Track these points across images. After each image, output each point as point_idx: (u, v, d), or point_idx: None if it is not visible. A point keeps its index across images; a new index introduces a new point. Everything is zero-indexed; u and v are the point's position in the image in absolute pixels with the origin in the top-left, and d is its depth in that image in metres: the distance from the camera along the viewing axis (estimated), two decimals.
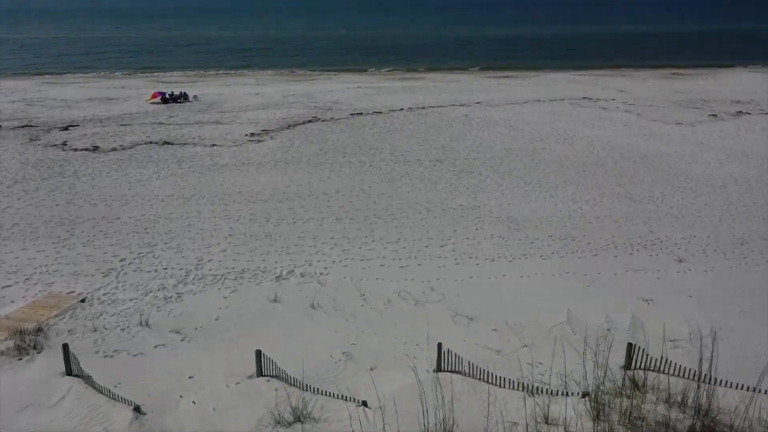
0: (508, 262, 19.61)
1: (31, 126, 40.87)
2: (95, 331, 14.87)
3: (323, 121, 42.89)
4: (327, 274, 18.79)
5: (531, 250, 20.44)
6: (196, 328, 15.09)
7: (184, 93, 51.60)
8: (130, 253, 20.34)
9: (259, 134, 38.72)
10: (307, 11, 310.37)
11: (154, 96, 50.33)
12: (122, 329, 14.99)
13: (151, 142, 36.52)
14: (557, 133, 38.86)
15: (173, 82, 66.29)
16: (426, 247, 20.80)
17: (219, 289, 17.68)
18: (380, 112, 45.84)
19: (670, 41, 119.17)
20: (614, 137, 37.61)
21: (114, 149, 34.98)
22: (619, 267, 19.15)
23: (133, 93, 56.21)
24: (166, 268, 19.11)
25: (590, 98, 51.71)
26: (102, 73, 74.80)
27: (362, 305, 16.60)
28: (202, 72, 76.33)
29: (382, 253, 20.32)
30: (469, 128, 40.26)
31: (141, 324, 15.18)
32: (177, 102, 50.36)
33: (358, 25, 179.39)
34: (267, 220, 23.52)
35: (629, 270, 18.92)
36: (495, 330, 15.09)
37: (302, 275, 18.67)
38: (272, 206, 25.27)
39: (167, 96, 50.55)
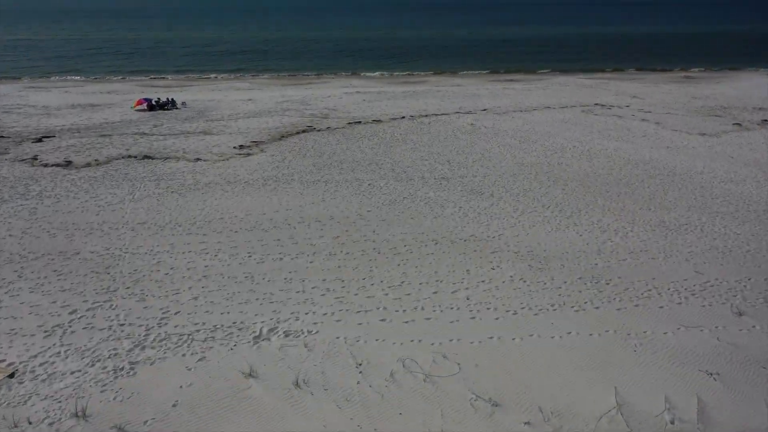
0: (533, 315, 16.26)
1: (1, 137, 37.48)
2: (15, 428, 11.52)
3: (319, 131, 39.51)
4: (316, 332, 15.45)
5: (560, 298, 17.10)
6: (146, 422, 11.75)
7: (172, 99, 48.21)
8: (84, 301, 16.98)
9: (248, 147, 35.34)
10: (307, 12, 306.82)
11: (139, 103, 46.93)
12: (50, 423, 11.65)
13: (129, 156, 33.14)
14: (572, 145, 35.50)
15: (164, 87, 62.92)
16: (435, 293, 17.46)
17: (183, 355, 14.34)
18: (380, 121, 42.47)
19: (677, 42, 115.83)
20: (635, 150, 34.25)
21: (88, 164, 31.60)
22: (668, 322, 15.81)
23: (119, 99, 52.80)
24: (123, 324, 15.76)
25: (603, 105, 48.33)
26: (91, 77, 71.38)
27: (359, 382, 13.26)
28: (195, 76, 72.90)
29: (382, 302, 16.99)
30: (476, 139, 36.90)
31: (76, 415, 11.84)
32: (164, 109, 46.99)
33: (358, 26, 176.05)
34: (249, 256, 20.18)
35: (681, 327, 15.58)
36: (528, 424, 11.75)
37: (286, 334, 15.33)
38: (257, 236, 21.92)
39: (154, 103, 47.18)
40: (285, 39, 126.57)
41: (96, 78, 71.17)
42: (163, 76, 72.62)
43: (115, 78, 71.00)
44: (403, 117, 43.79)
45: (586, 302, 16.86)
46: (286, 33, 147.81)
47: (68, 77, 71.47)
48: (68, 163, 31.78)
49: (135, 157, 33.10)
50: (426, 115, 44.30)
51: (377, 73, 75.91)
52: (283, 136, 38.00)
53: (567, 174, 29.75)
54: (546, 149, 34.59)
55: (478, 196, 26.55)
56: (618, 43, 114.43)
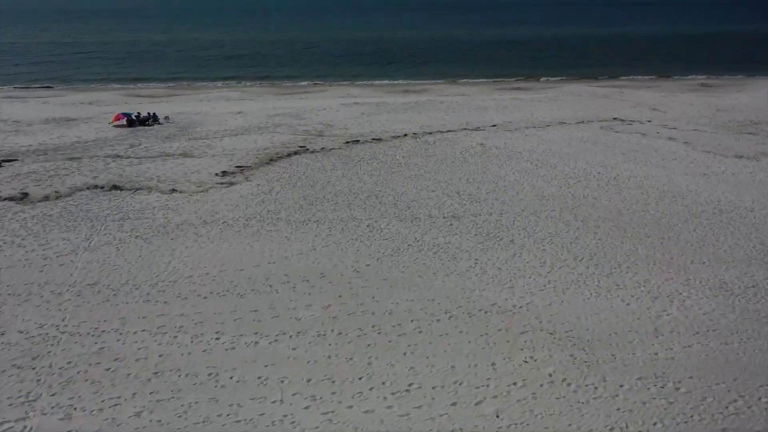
0: None
1: None
2: None
3: (312, 152, 35.18)
4: None
5: (619, 415, 12.81)
6: None
7: (154, 114, 43.83)
8: None
9: (231, 173, 31.02)
10: (308, 12, 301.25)
11: (117, 118, 42.54)
12: None
13: (96, 187, 28.82)
14: (596, 170, 31.20)
15: (150, 97, 58.56)
16: (453, 406, 13.18)
17: None
18: (380, 140, 38.15)
19: (688, 46, 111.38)
20: (668, 178, 29.95)
21: (46, 198, 27.29)
22: None
23: (98, 111, 48.44)
24: None
25: (623, 120, 44.00)
26: (76, 85, 66.94)
27: None
28: (185, 84, 68.45)
29: (385, 420, 12.71)
30: (487, 163, 32.60)
31: None
32: (145, 125, 42.65)
33: (358, 26, 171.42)
34: (217, 338, 15.91)
35: None
36: None
37: None
38: (230, 305, 17.65)
39: (134, 117, 42.83)
40: (284, 41, 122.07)
41: (81, 86, 66.76)
42: (152, 84, 68.18)
43: (102, 86, 66.56)
44: (405, 134, 39.44)
45: (655, 423, 12.57)
46: (285, 34, 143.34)
47: (52, 85, 67.10)
48: (24, 196, 27.45)
49: (102, 187, 28.77)
50: (430, 132, 39.95)
51: (377, 81, 71.50)
52: (272, 159, 33.67)
53: (596, 211, 25.44)
54: (567, 176, 30.27)
55: (496, 242, 22.26)
56: (626, 47, 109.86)
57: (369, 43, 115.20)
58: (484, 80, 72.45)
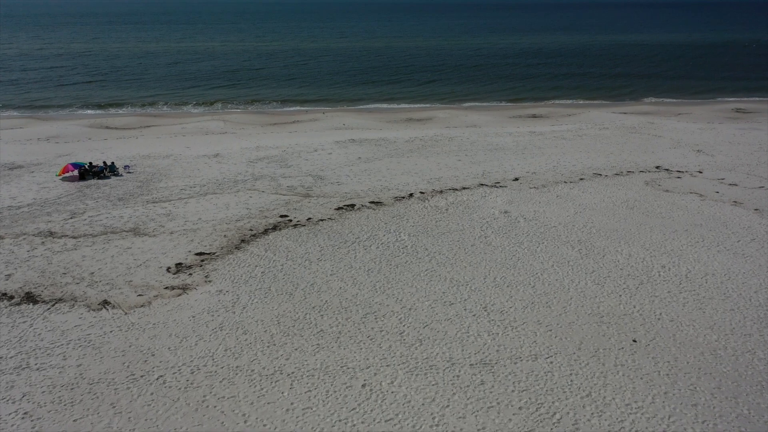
0: None
1: None
2: None
3: (295, 226, 27.65)
4: None
5: None
6: None
7: (111, 164, 36.23)
8: None
9: (188, 268, 23.51)
10: (310, 14, 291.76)
11: (66, 169, 34.91)
12: None
13: (2, 296, 21.34)
14: (659, 262, 23.72)
15: (119, 129, 51.04)
16: None
17: None
18: (380, 203, 30.64)
19: (711, 57, 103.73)
20: (757, 279, 22.46)
21: None
22: None
23: (51, 155, 40.88)
24: None
25: (668, 169, 36.50)
26: (37, 114, 59.20)
27: None
28: (163, 109, 60.82)
29: None
30: (517, 248, 25.09)
31: None
32: (100, 177, 35.14)
33: (359, 33, 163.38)
34: None
35: None
36: None
37: None
38: None
39: (87, 167, 35.28)
40: (279, 52, 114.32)
41: (46, 114, 59.13)
42: (126, 109, 60.49)
43: (69, 114, 58.86)
44: (411, 195, 31.91)
45: None
46: (281, 43, 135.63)
47: (12, 112, 59.46)
48: None
49: (11, 297, 21.28)
50: (440, 191, 32.41)
51: (376, 104, 63.89)
52: (243, 240, 26.15)
53: (682, 351, 17.93)
54: (625, 275, 22.76)
55: (553, 427, 14.79)
56: (644, 59, 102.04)
57: (369, 55, 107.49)
58: (495, 104, 64.95)
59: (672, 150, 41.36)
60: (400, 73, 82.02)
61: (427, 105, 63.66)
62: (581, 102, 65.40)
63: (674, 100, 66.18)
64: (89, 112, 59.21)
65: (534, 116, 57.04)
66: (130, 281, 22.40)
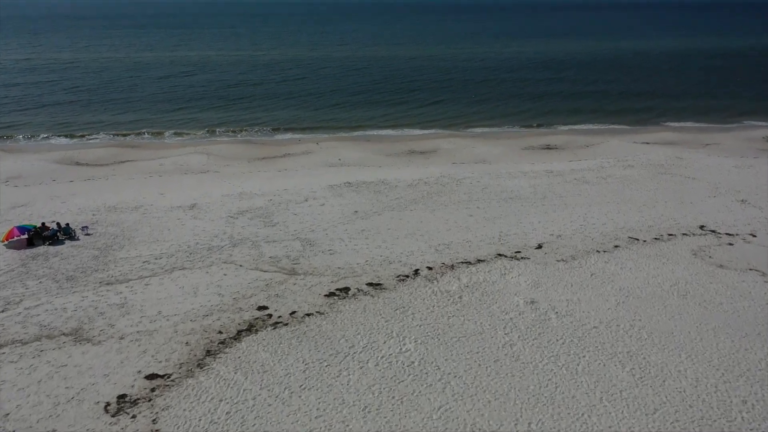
0: None
1: None
2: None
3: (276, 325, 22.16)
4: None
5: None
6: None
7: (66, 226, 30.70)
8: None
9: (133, 405, 17.91)
10: (313, 19, 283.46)
11: (12, 234, 29.38)
12: None
13: None
14: (738, 396, 18.25)
15: (90, 165, 45.56)
16: None
17: None
18: (380, 285, 25.14)
19: (733, 68, 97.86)
20: None
21: None
22: None
23: (5, 203, 35.34)
24: None
25: (714, 230, 30.98)
26: (5, 145, 53.53)
27: None
28: (143, 138, 55.14)
29: None
30: (552, 365, 19.62)
31: None
32: (53, 242, 29.63)
33: (359, 40, 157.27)
34: None
35: None
36: None
37: None
38: None
39: (36, 231, 29.75)
40: (276, 64, 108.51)
41: (13, 144, 53.53)
42: (101, 139, 54.81)
43: (39, 145, 53.18)
44: (417, 271, 26.38)
45: None
46: (280, 53, 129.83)
47: None
48: None
49: None
50: (451, 266, 26.87)
51: (375, 131, 58.29)
52: (209, 350, 20.68)
53: None
54: (698, 416, 17.28)
55: None
56: (660, 70, 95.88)
57: (370, 67, 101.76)
58: (505, 129, 59.40)
59: (712, 200, 35.82)
60: (402, 91, 76.12)
61: (432, 131, 58.08)
62: (598, 127, 59.82)
63: (698, 125, 60.64)
64: (62, 141, 53.61)
65: (549, 147, 51.54)
66: None
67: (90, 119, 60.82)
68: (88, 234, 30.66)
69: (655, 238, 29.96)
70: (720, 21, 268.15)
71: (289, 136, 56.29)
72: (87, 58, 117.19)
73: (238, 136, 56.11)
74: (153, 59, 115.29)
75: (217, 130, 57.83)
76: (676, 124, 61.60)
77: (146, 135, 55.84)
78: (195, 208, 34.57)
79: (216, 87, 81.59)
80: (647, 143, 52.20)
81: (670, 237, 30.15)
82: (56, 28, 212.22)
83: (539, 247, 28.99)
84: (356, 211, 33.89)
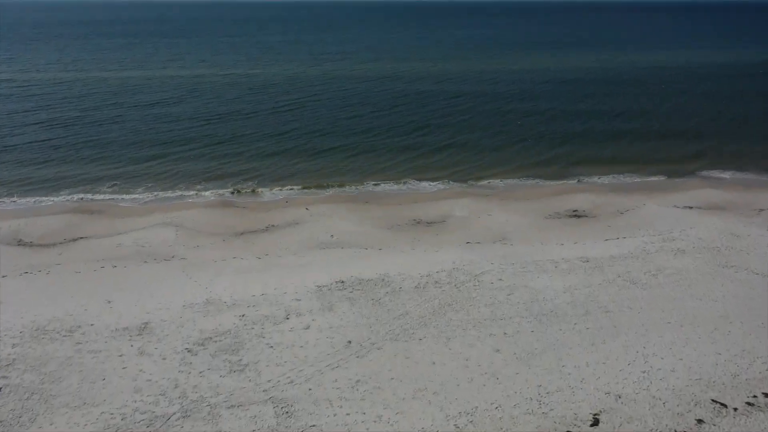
0: None
1: None
2: None
3: None
4: None
5: None
6: None
7: None
8: None
9: None
10: (311, 21, 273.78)
11: None
12: None
13: None
14: None
15: (36, 245, 37.75)
16: None
17: None
18: None
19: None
20: None
21: None
22: None
23: None
24: None
25: None
26: None
27: None
28: (105, 200, 47.18)
29: None
30: None
31: None
32: None
33: (362, 49, 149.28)
34: None
35: None
36: None
37: None
38: None
39: None
40: (272, 86, 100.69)
41: None
42: (57, 199, 46.91)
43: None
44: None
45: None
46: (278, 68, 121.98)
47: None
48: None
49: None
50: None
51: (375, 185, 50.46)
52: None
53: None
54: None
55: None
56: (688, 91, 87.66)
57: (370, 93, 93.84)
58: (522, 182, 51.58)
59: None
60: (405, 130, 67.52)
61: (440, 186, 50.24)
62: (628, 180, 51.99)
63: (742, 176, 52.81)
64: (11, 204, 45.74)
65: (576, 214, 43.70)
66: None
67: (53, 172, 52.85)
68: None
69: (749, 404, 22.15)
70: (749, 25, 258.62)
71: (276, 193, 48.49)
72: (71, 78, 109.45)
73: (218, 193, 48.26)
74: (141, 80, 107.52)
75: (195, 185, 50.00)
76: (716, 174, 53.79)
77: (112, 194, 48.02)
78: (145, 332, 26.80)
79: (202, 120, 73.70)
80: (689, 207, 44.38)
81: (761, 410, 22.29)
82: (46, 37, 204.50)
83: (595, 423, 21.17)
84: (350, 342, 26.08)
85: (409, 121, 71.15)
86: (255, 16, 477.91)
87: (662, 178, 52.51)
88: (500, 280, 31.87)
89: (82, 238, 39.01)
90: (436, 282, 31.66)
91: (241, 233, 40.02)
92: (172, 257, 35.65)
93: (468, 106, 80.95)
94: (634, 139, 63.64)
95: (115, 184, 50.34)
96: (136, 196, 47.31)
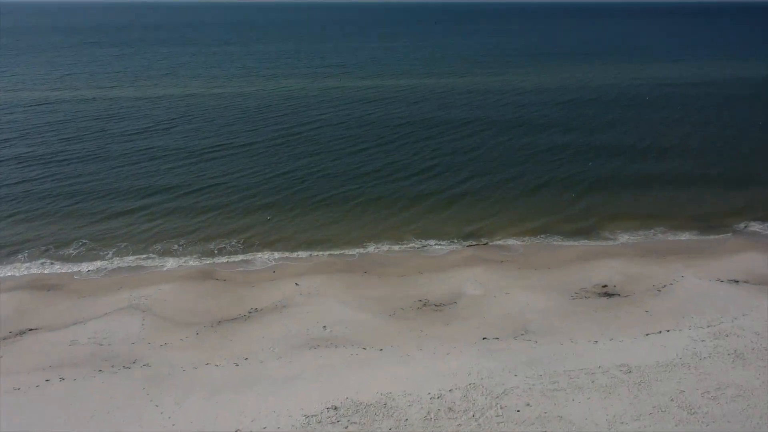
0: None
1: None
2: None
3: None
4: None
5: None
6: None
7: None
8: None
9: None
10: (311, 27, 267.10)
11: None
12: None
13: None
14: None
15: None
16: None
17: None
18: None
19: None
20: None
21: None
22: None
23: None
24: None
25: None
26: None
27: None
28: (68, 270, 41.30)
29: None
30: None
31: None
32: None
33: (364, 63, 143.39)
34: None
35: None
36: None
37: None
38: None
39: None
40: (267, 108, 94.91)
41: None
42: (16, 270, 40.97)
43: None
44: None
45: None
46: (273, 87, 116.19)
47: None
48: None
49: None
50: None
51: (376, 248, 44.58)
52: None
53: None
54: None
55: None
56: (709, 120, 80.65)
57: (371, 119, 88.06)
58: (541, 241, 45.69)
59: None
60: (408, 174, 60.82)
61: (449, 247, 44.37)
62: (662, 238, 46.03)
63: None
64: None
65: (606, 291, 37.80)
66: None
67: (17, 231, 46.82)
68: None
69: None
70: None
71: (263, 258, 42.65)
72: (57, 97, 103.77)
73: (199, 259, 42.43)
74: (131, 101, 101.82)
75: (174, 247, 44.18)
76: (754, 227, 47.94)
77: (77, 260, 42.25)
78: None
79: (191, 156, 67.81)
80: (735, 281, 38.47)
81: None
82: (37, 47, 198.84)
83: None
84: None
85: (412, 161, 64.72)
86: (253, 21, 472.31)
87: (699, 235, 46.58)
88: (528, 405, 25.99)
89: (31, 330, 33.19)
90: (450, 409, 25.79)
91: (219, 322, 34.16)
92: (134, 362, 29.81)
93: (477, 140, 74.47)
94: (664, 183, 57.28)
95: (83, 244, 44.58)
96: (103, 263, 41.42)
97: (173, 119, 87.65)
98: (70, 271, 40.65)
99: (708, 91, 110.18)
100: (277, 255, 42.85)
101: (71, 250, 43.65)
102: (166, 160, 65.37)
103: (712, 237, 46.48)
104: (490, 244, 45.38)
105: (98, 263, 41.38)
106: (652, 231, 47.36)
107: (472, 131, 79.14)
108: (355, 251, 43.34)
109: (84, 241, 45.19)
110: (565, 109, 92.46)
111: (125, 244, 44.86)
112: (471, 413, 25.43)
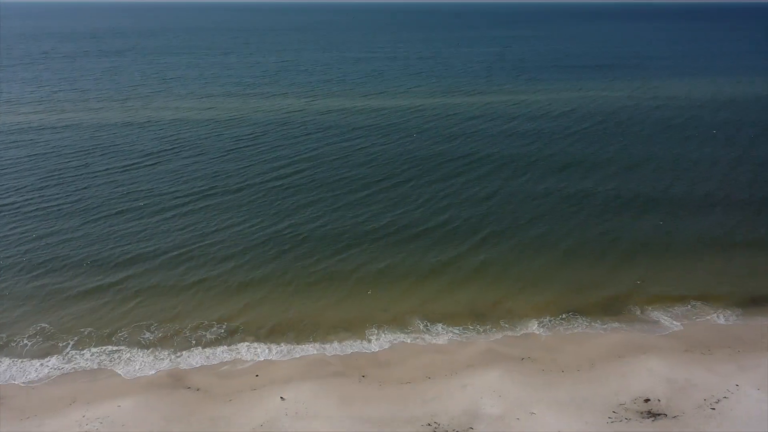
0: None
1: None
2: None
3: None
4: None
5: None
6: None
7: None
8: None
9: None
10: (311, 32, 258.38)
11: None
12: None
13: None
14: None
15: None
16: None
17: None
18: None
19: None
20: None
21: None
22: None
23: None
24: None
25: None
26: None
27: None
28: (7, 368, 35.44)
29: None
30: None
31: None
32: None
33: (364, 79, 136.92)
34: None
35: None
36: None
37: None
38: None
39: None
40: (262, 135, 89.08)
41: None
42: None
43: None
44: None
45: None
46: (270, 106, 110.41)
47: None
48: None
49: None
50: None
51: (377, 337, 38.69)
52: None
53: None
54: None
55: None
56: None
57: (372, 154, 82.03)
58: (566, 328, 39.74)
59: None
60: (412, 234, 53.00)
61: (461, 335, 38.51)
62: (706, 322, 40.12)
63: None
64: None
65: (650, 411, 31.80)
66: None
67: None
68: None
69: None
70: None
71: (246, 354, 36.83)
72: (40, 123, 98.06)
73: (171, 358, 36.58)
74: (119, 126, 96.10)
75: (142, 339, 38.34)
76: None
77: (28, 357, 36.49)
78: None
79: (174, 205, 61.43)
80: None
81: None
82: (30, 57, 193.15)
83: None
84: None
85: (421, 214, 58.17)
86: (257, 23, 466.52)
87: (745, 318, 40.65)
88: None
89: None
90: None
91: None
92: None
93: (491, 183, 66.96)
94: (703, 247, 50.44)
95: (40, 330, 38.85)
96: (57, 361, 35.61)
97: (161, 151, 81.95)
98: (15, 373, 34.84)
99: (748, 111, 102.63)
100: (262, 349, 37.03)
101: (25, 339, 37.94)
102: (149, 211, 59.20)
103: (759, 320, 40.57)
104: (507, 329, 39.55)
105: (52, 361, 35.60)
106: (694, 311, 41.46)
107: (486, 170, 72.15)
108: (353, 346, 37.47)
109: (43, 325, 39.47)
110: (581, 141, 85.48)
111: (90, 329, 39.12)
112: None
